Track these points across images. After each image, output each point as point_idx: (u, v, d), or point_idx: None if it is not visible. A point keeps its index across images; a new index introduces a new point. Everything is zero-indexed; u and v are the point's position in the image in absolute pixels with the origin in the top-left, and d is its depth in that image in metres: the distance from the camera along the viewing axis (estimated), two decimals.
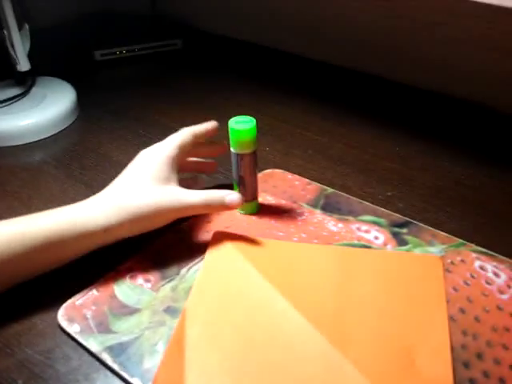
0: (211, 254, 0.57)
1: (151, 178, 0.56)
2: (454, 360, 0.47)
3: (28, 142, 0.80)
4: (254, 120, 0.59)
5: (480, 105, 0.85)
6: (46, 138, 0.82)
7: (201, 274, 0.55)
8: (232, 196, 0.57)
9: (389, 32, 0.90)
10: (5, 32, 0.79)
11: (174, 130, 0.62)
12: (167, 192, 0.56)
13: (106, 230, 0.53)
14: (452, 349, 0.48)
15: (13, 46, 0.79)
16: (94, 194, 0.57)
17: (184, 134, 0.61)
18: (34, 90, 0.86)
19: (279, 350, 0.47)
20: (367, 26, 0.92)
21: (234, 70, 1.02)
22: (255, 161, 0.61)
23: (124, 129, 0.83)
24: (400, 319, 0.50)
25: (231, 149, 0.60)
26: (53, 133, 0.82)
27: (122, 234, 0.55)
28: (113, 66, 1.04)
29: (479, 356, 0.48)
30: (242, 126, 0.59)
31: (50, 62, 1.01)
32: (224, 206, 0.58)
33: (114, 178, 0.59)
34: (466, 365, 0.47)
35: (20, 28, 0.79)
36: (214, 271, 0.55)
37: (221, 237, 0.59)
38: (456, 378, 0.46)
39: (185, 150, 0.61)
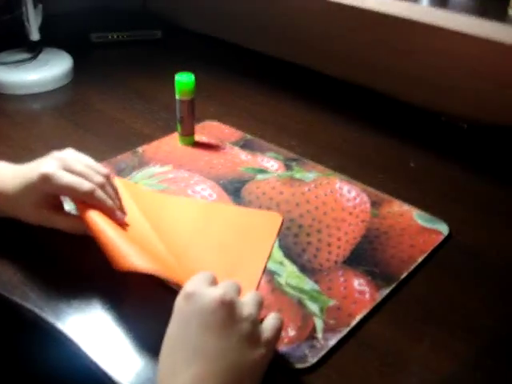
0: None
1: None
2: (301, 227, 0.73)
3: (32, 92, 1.06)
4: (193, 75, 0.85)
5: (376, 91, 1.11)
6: (46, 92, 1.07)
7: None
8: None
9: None
10: (23, 8, 1.05)
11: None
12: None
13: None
14: (300, 227, 0.73)
15: (28, 20, 1.06)
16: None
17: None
18: (40, 56, 1.12)
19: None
20: None
21: (200, 58, 1.27)
22: (193, 106, 0.87)
23: (109, 90, 1.09)
24: (227, 254, 0.68)
25: (176, 96, 0.86)
26: (51, 88, 1.08)
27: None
28: (105, 47, 1.30)
29: (319, 231, 0.73)
30: (183, 78, 0.84)
31: (56, 38, 1.27)
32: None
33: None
34: (308, 234, 0.72)
35: (35, 6, 1.05)
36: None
37: (119, 182, 0.74)
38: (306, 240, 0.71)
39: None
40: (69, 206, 0.70)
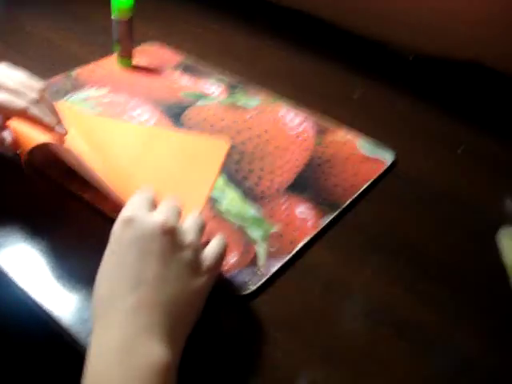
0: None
1: None
2: (243, 154, 0.70)
3: None
4: None
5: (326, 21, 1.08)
6: None
7: None
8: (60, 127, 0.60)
9: None
10: None
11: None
12: None
13: None
14: (242, 154, 0.71)
15: None
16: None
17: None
18: None
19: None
20: None
21: None
22: (130, 26, 0.82)
23: (41, 11, 1.02)
24: (172, 181, 0.66)
25: (112, 16, 0.81)
26: None
27: None
28: None
29: (261, 159, 0.71)
30: None
31: None
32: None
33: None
34: (250, 162, 0.70)
35: None
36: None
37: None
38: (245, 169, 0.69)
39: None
40: None
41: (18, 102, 0.57)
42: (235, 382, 0.48)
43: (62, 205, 0.63)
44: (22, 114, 0.58)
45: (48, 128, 0.59)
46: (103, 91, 0.79)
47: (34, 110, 0.58)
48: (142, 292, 0.44)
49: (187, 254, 0.48)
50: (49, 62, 0.86)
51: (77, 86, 0.80)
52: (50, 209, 0.62)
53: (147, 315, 0.44)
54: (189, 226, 0.50)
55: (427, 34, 0.96)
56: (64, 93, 0.78)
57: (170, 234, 0.47)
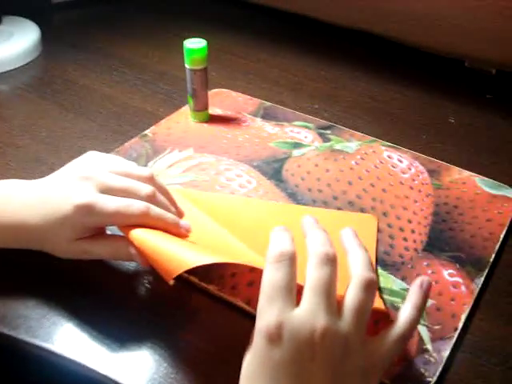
0: None
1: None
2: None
3: None
4: (205, 41, 0.72)
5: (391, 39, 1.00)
6: (13, 70, 0.91)
7: None
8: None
9: None
10: None
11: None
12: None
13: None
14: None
15: None
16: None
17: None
18: (0, 27, 0.95)
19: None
20: None
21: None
22: (206, 76, 0.74)
23: (85, 59, 0.94)
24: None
25: (186, 66, 0.73)
26: (19, 65, 0.92)
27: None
28: (67, 8, 1.13)
29: (385, 214, 0.63)
30: (195, 45, 0.71)
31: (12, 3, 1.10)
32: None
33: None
34: None
35: None
36: None
37: (177, 193, 0.59)
38: None
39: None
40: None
41: (137, 206, 0.48)
42: None
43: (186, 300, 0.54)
44: (144, 218, 0.49)
45: (172, 226, 0.50)
46: (188, 153, 0.71)
47: (155, 211, 0.49)
48: None
49: (352, 364, 0.39)
50: (115, 122, 0.78)
51: (157, 150, 0.72)
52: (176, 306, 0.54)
53: None
54: (348, 321, 0.40)
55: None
56: (145, 159, 0.70)
57: (330, 345, 0.38)
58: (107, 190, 0.49)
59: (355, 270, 0.42)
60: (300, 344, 0.37)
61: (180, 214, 0.53)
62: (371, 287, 0.42)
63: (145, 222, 0.49)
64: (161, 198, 0.51)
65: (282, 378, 0.38)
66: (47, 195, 0.50)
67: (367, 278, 0.41)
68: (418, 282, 0.45)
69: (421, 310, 0.43)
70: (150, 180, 0.51)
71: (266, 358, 0.38)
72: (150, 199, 0.49)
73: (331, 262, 0.41)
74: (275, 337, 0.38)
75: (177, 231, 0.50)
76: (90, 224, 0.49)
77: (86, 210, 0.47)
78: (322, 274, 0.40)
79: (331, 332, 0.38)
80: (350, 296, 0.41)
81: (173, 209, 0.52)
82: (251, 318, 0.43)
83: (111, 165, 0.51)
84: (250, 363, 0.39)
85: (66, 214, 0.48)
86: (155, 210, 0.49)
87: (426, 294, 0.44)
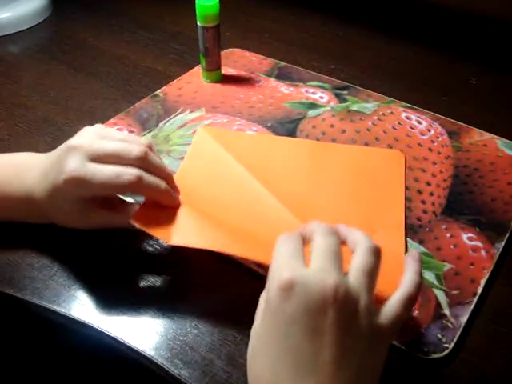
0: (195, 146, 0.62)
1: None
2: None
3: (6, 33, 0.88)
4: None
5: None
6: (23, 31, 0.89)
7: (184, 161, 0.59)
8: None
9: None
10: None
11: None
12: None
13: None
14: None
15: None
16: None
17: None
18: None
19: (250, 216, 0.53)
20: None
21: None
22: (218, 33, 0.71)
23: (96, 20, 0.91)
24: (361, 203, 0.56)
25: (198, 23, 0.70)
26: (29, 25, 0.90)
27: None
28: None
29: None
30: (207, 1, 0.69)
31: None
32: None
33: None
34: None
35: None
36: (198, 159, 0.60)
37: (204, 132, 0.64)
38: None
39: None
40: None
41: (127, 175, 0.46)
42: None
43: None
44: (135, 187, 0.47)
45: (164, 194, 0.49)
46: (200, 113, 0.69)
47: (148, 179, 0.48)
48: (314, 381, 0.36)
49: (363, 323, 0.37)
50: (125, 83, 0.76)
51: (168, 110, 0.70)
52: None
53: None
54: (358, 281, 0.39)
55: None
56: (156, 119, 0.68)
57: (342, 301, 0.37)
58: (97, 158, 0.47)
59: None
60: (312, 298, 0.36)
61: (172, 185, 0.51)
62: (378, 253, 0.41)
63: (137, 190, 0.48)
64: (153, 158, 0.49)
65: (294, 332, 0.36)
66: (46, 170, 0.49)
67: (374, 246, 0.41)
68: (408, 254, 0.45)
69: (421, 275, 0.43)
70: (147, 147, 0.50)
71: (278, 312, 0.37)
72: (142, 161, 0.48)
73: (335, 233, 0.41)
74: (288, 290, 0.37)
75: (169, 200, 0.50)
76: (85, 195, 0.48)
77: (76, 183, 0.46)
78: (329, 240, 0.40)
79: (342, 288, 0.37)
80: (359, 259, 0.40)
81: (167, 170, 0.50)
82: (260, 279, 0.43)
83: (103, 133, 0.49)
84: (262, 319, 0.39)
85: (60, 187, 0.47)
86: (148, 178, 0.47)
87: (420, 262, 0.44)
